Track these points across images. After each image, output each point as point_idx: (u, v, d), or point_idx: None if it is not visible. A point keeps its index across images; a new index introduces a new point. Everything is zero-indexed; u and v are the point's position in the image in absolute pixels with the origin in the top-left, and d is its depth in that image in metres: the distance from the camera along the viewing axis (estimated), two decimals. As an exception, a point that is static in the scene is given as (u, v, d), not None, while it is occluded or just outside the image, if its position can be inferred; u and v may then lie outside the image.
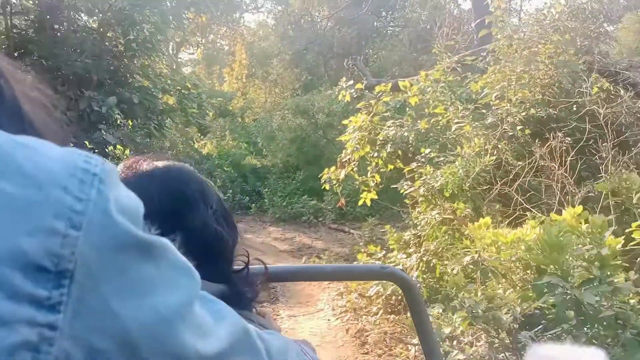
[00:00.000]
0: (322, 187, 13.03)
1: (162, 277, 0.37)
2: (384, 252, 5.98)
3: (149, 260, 0.36)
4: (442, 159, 4.81)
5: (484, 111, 5.02)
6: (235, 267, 0.80)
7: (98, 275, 0.32)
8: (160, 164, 0.78)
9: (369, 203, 6.16)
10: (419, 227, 4.74)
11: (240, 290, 0.78)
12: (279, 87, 21.11)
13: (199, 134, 18.73)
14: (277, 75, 20.92)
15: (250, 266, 0.82)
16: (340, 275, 1.49)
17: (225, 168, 14.51)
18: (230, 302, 0.56)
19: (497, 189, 4.22)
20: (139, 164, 0.77)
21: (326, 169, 6.28)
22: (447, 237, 4.36)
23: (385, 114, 5.94)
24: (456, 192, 4.40)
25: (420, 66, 11.44)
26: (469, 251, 3.64)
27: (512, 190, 4.08)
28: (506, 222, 3.88)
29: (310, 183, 13.12)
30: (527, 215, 3.69)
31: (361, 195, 6.18)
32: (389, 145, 5.12)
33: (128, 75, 5.58)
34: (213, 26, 25.13)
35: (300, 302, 5.89)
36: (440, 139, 5.20)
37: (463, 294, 2.97)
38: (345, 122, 6.30)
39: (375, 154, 5.57)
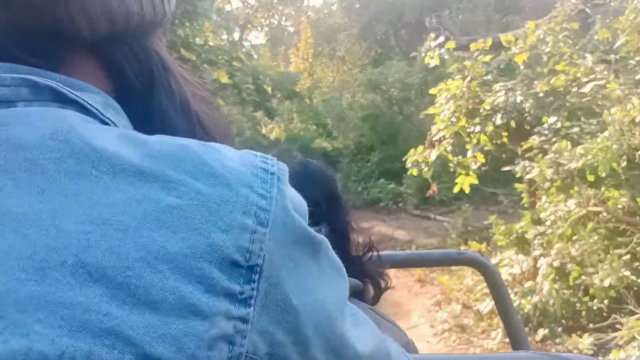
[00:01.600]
0: (402, 169, 11.90)
1: (325, 275, 0.38)
2: (488, 248, 4.82)
3: (316, 257, 0.37)
4: (575, 129, 3.54)
5: (632, 62, 3.68)
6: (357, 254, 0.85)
7: (280, 271, 0.33)
8: (302, 163, 0.85)
9: (467, 189, 4.99)
10: (547, 222, 3.54)
11: (373, 280, 0.82)
12: (347, 64, 19.99)
13: (267, 118, 18.15)
14: (344, 52, 19.81)
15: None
16: (414, 261, 1.40)
17: (293, 153, 13.72)
18: (361, 296, 0.79)
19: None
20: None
21: (412, 150, 5.16)
22: (596, 237, 3.13)
23: (485, 78, 4.71)
24: (605, 174, 3.14)
25: (507, 28, 9.91)
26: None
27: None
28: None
29: (386, 165, 11.98)
30: None
31: (457, 180, 5.02)
32: (499, 115, 3.92)
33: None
34: (278, 7, 24.40)
35: (387, 314, 4.91)
36: (567, 104, 3.92)
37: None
38: (433, 90, 5.13)
39: (477, 128, 4.38)
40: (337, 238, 0.71)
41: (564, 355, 0.73)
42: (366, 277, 0.80)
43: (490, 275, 1.19)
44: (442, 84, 4.96)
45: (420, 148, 5.16)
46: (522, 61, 4.60)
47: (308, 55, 21.07)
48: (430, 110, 5.08)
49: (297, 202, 0.36)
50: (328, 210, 0.77)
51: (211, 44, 4.81)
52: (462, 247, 5.00)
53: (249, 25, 25.18)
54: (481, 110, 4.23)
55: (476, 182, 4.95)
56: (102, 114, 0.36)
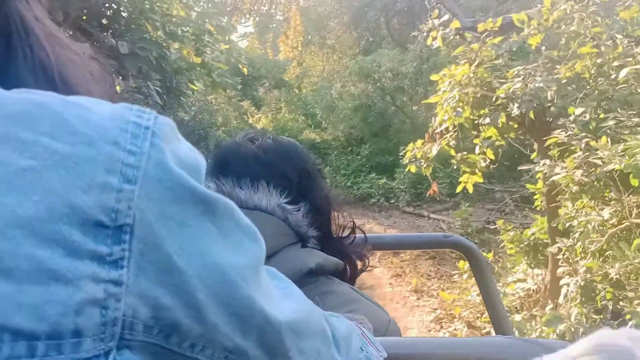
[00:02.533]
0: (394, 163, 11.28)
1: (226, 237, 0.36)
2: (497, 257, 4.23)
3: (211, 217, 0.35)
4: (610, 124, 2.95)
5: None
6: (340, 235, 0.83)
7: (159, 230, 0.31)
8: (274, 139, 0.83)
9: (471, 189, 4.41)
10: (575, 234, 2.95)
11: (353, 261, 0.82)
12: (337, 53, 19.34)
13: (254, 108, 17.42)
14: (334, 40, 19.18)
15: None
16: (400, 244, 1.38)
17: (281, 144, 13.03)
18: (342, 275, 0.78)
19: None
20: (257, 137, 0.83)
21: (410, 144, 4.55)
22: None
23: (496, 62, 4.10)
24: (651, 178, 2.54)
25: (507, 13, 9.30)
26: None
27: None
28: None
29: (377, 158, 11.38)
30: None
31: (461, 179, 4.43)
32: (516, 104, 3.31)
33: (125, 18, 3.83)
34: (265, -7, 23.61)
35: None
36: (596, 92, 3.32)
37: None
38: (435, 77, 4.51)
39: (486, 120, 3.78)
40: (316, 215, 0.76)
41: (540, 340, 0.65)
42: (344, 257, 0.80)
43: (475, 259, 1.19)
44: (446, 69, 4.34)
45: (420, 142, 4.55)
46: (537, 44, 4.00)
47: (297, 43, 20.45)
48: (432, 99, 4.46)
49: (184, 158, 0.34)
50: (301, 186, 0.78)
51: (179, 14, 4.12)
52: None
53: (237, 12, 24.35)
54: (494, 99, 3.62)
55: (481, 180, 4.36)
56: None
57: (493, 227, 7.42)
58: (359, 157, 11.59)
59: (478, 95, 3.93)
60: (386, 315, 0.77)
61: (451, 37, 4.23)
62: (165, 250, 0.31)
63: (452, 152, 4.32)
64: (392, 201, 9.75)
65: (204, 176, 0.36)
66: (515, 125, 3.91)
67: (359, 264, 0.85)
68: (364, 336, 0.59)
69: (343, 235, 0.83)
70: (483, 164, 3.84)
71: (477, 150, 3.90)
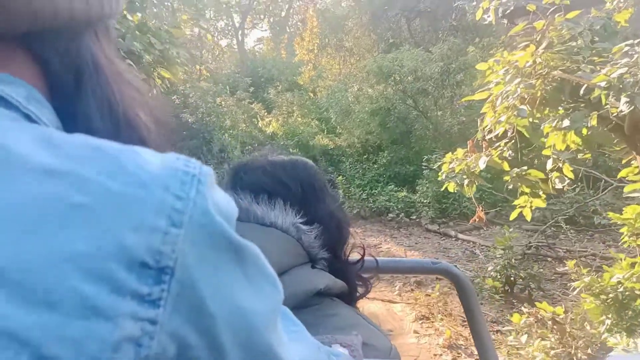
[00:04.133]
0: (415, 174, 10.10)
1: (252, 283, 0.36)
2: (571, 316, 3.09)
3: (241, 264, 0.36)
4: None
5: None
6: (349, 259, 0.82)
7: (195, 274, 0.32)
8: (286, 156, 0.84)
9: (529, 216, 3.29)
10: None
11: (354, 285, 0.81)
12: (354, 56, 18.32)
13: (265, 111, 16.43)
14: (352, 42, 18.21)
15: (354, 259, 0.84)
16: (387, 269, 1.33)
17: (291, 150, 11.93)
18: (345, 298, 0.77)
19: None
20: (267, 155, 0.85)
21: (448, 155, 3.46)
22: None
23: (571, 44, 2.98)
24: None
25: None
26: None
27: None
28: None
29: (396, 168, 10.25)
30: None
31: (516, 202, 3.33)
32: (624, 98, 2.18)
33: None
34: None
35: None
36: None
37: None
38: (481, 66, 3.39)
39: (565, 123, 2.66)
40: (327, 236, 0.77)
41: None
42: (347, 280, 0.79)
43: (462, 287, 1.20)
44: (498, 54, 3.22)
45: (460, 152, 3.45)
46: (624, 20, 2.90)
47: (313, 46, 19.53)
48: (477, 95, 3.34)
49: (223, 206, 0.35)
50: (303, 199, 0.77)
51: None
52: (524, 308, 3.29)
53: (251, 12, 23.47)
54: (581, 93, 2.49)
55: (544, 205, 3.24)
56: (25, 107, 0.36)
57: (538, 254, 6.26)
58: (375, 166, 10.47)
59: (547, 88, 2.82)
60: (388, 342, 0.75)
61: (511, 8, 3.12)
62: (200, 293, 0.32)
63: (506, 167, 3.21)
64: (414, 217, 8.61)
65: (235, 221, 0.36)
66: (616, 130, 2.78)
67: (360, 288, 0.83)
68: None
69: (350, 260, 0.82)
70: (559, 185, 2.71)
71: (549, 165, 2.77)
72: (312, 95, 17.00)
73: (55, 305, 0.27)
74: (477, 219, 3.37)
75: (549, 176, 2.84)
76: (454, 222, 8.46)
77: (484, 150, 3.30)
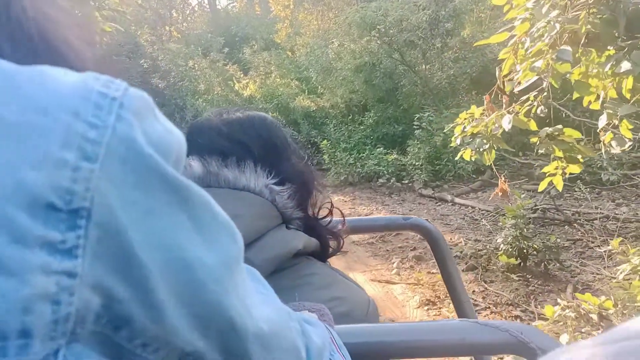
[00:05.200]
0: (405, 133, 9.40)
1: (199, 230, 0.32)
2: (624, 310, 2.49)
3: (184, 207, 0.31)
4: None
5: None
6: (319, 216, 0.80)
7: (120, 216, 0.28)
8: (242, 113, 0.79)
9: (560, 186, 2.66)
10: None
11: (326, 241, 0.80)
12: (333, 10, 17.30)
13: (241, 73, 15.46)
14: (330, -5, 17.23)
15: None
16: (360, 228, 1.31)
17: (271, 113, 11.13)
18: (318, 255, 0.77)
19: None
20: (226, 113, 0.79)
21: (462, 114, 2.79)
22: None
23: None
24: None
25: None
26: None
27: None
28: None
29: (384, 128, 9.56)
30: None
31: (545, 169, 2.71)
32: None
33: None
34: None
35: None
36: None
37: None
38: (498, 0, 2.64)
39: (624, 66, 1.98)
40: (300, 195, 0.74)
41: (493, 322, 0.64)
42: (320, 237, 0.78)
43: (435, 242, 1.20)
44: (522, -17, 2.50)
45: (476, 110, 2.78)
46: None
47: (289, 1, 18.48)
48: (495, 38, 2.62)
49: (157, 137, 0.30)
50: (265, 159, 0.72)
51: None
52: (564, 294, 2.70)
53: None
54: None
55: (579, 170, 2.61)
56: None
57: (545, 218, 5.70)
58: (362, 128, 9.76)
59: (597, 21, 2.13)
60: (365, 295, 0.76)
61: None
62: (126, 239, 0.28)
63: (533, 126, 2.55)
64: (405, 181, 7.98)
65: (183, 160, 0.32)
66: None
67: (334, 243, 0.83)
68: (333, 341, 0.56)
69: (320, 216, 0.80)
70: (616, 149, 2.06)
71: (602, 122, 2.10)
72: (290, 54, 16.05)
73: None
74: (499, 192, 2.73)
75: (600, 137, 2.19)
76: (449, 184, 7.87)
77: (504, 106, 2.63)
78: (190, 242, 0.30)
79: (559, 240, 4.51)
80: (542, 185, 2.72)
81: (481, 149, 2.64)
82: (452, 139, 2.75)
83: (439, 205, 7.00)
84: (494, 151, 2.74)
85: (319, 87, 11.43)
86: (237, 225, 0.35)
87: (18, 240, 0.24)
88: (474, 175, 7.94)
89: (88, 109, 0.27)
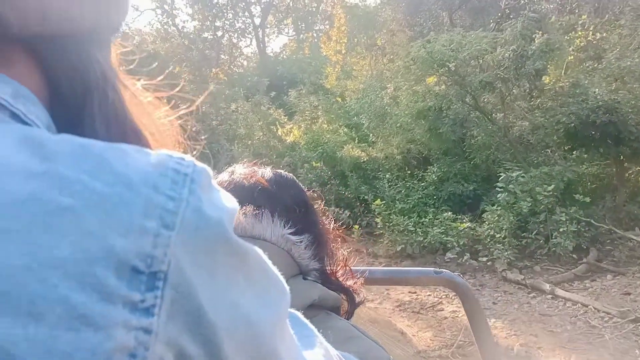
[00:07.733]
0: (481, 195, 7.57)
1: (254, 288, 0.35)
2: None
3: (242, 268, 0.34)
4: None
5: None
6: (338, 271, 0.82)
7: (192, 279, 0.31)
8: (273, 171, 0.82)
9: None
10: None
11: (352, 295, 0.81)
12: (387, 55, 15.99)
13: (285, 117, 14.23)
14: (385, 39, 16.13)
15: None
16: (390, 280, 1.32)
17: (314, 163, 9.60)
18: (339, 311, 0.78)
19: None
20: (256, 172, 0.81)
21: None
22: None
23: None
24: None
25: None
26: None
27: None
28: None
29: (450, 187, 7.80)
30: None
31: None
32: None
33: None
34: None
35: None
36: None
37: None
38: None
39: None
40: (318, 247, 0.77)
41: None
42: (344, 291, 0.79)
43: (467, 298, 1.17)
44: None
45: None
46: None
47: (342, 46, 17.44)
48: None
49: (220, 206, 0.33)
50: (304, 218, 0.77)
51: None
52: None
53: (272, 9, 21.42)
54: None
55: None
56: (12, 105, 0.34)
57: None
58: (423, 185, 8.04)
59: None
60: (385, 353, 0.76)
61: None
62: (197, 300, 0.31)
63: None
64: (484, 259, 6.15)
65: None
66: None
67: (356, 297, 0.83)
68: None
69: (336, 270, 0.82)
70: None
71: None
72: (339, 100, 14.74)
73: (41, 317, 0.25)
74: None
75: None
76: (541, 266, 5.99)
77: None
78: (248, 299, 0.33)
79: None
80: None
81: None
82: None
83: (533, 297, 5.12)
84: None
85: (371, 134, 9.90)
86: None
87: (106, 299, 0.27)
88: (573, 255, 6.02)
89: (166, 184, 0.30)
